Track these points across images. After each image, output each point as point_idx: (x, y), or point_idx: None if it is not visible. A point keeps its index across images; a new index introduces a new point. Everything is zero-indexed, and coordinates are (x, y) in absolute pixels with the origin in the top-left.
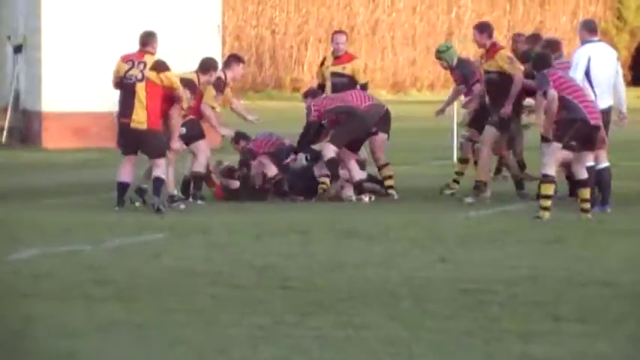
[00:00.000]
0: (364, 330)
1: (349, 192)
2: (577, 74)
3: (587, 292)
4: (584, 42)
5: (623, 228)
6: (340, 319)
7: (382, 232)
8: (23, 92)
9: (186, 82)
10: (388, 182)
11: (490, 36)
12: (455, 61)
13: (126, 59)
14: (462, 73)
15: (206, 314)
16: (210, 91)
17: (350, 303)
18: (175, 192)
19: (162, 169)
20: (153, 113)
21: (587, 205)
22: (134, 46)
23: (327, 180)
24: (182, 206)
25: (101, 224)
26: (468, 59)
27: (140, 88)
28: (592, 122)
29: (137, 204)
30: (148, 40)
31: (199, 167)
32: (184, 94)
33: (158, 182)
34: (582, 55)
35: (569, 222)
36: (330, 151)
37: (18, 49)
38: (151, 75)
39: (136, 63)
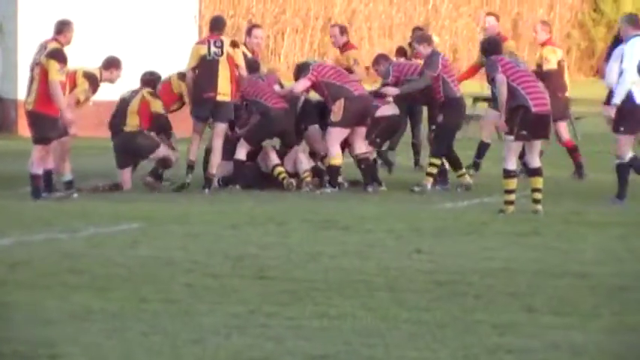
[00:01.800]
0: (340, 320)
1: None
2: (631, 65)
3: (562, 283)
4: (629, 37)
5: (598, 220)
6: (316, 309)
7: (359, 222)
8: None
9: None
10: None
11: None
12: None
13: (201, 42)
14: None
15: (181, 303)
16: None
17: (326, 293)
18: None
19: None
20: (235, 86)
21: (539, 196)
22: (109, 34)
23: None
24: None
25: (77, 213)
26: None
27: (223, 64)
28: (535, 109)
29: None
30: (220, 25)
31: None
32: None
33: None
34: (636, 47)
35: (545, 214)
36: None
37: None
38: (230, 51)
39: (213, 42)
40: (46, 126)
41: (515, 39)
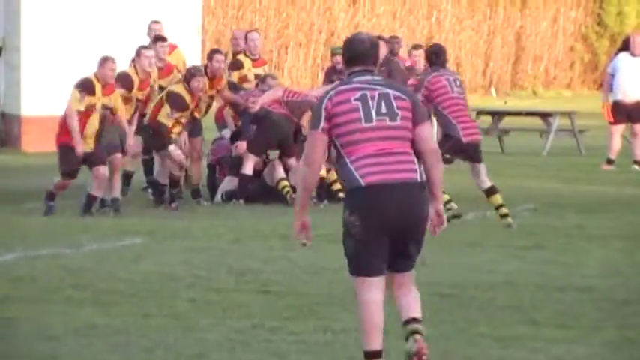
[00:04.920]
0: (343, 334)
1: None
2: None
3: (565, 297)
4: None
5: (601, 234)
6: (319, 323)
7: None
8: (2, 95)
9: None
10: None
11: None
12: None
13: None
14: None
15: (185, 318)
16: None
17: (329, 308)
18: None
19: None
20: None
21: (505, 210)
22: (114, 50)
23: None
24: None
25: (81, 228)
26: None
27: None
28: (465, 140)
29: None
30: None
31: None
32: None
33: None
34: None
35: (548, 227)
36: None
37: None
38: None
39: None
40: (60, 159)
41: (518, 53)
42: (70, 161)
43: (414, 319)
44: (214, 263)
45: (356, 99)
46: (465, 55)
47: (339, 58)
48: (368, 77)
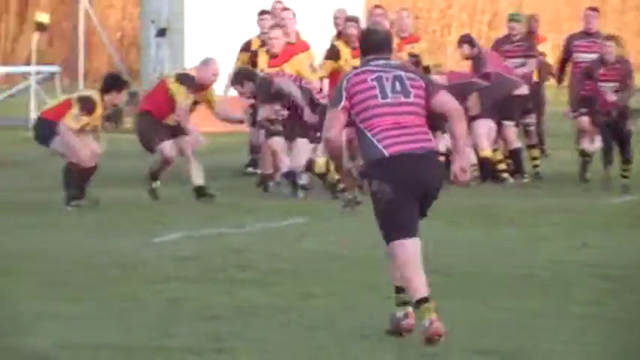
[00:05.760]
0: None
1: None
2: None
3: None
4: None
5: None
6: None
7: (522, 216)
8: None
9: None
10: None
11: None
12: None
13: None
14: None
15: (347, 298)
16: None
17: (493, 288)
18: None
19: None
20: None
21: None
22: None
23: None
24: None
25: (244, 208)
26: None
27: None
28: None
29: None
30: None
31: None
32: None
33: None
34: None
35: None
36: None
37: (161, 33)
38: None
39: None
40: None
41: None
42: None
43: (424, 299)
44: (376, 243)
45: (372, 79)
46: (630, 35)
47: (514, 25)
48: (383, 62)
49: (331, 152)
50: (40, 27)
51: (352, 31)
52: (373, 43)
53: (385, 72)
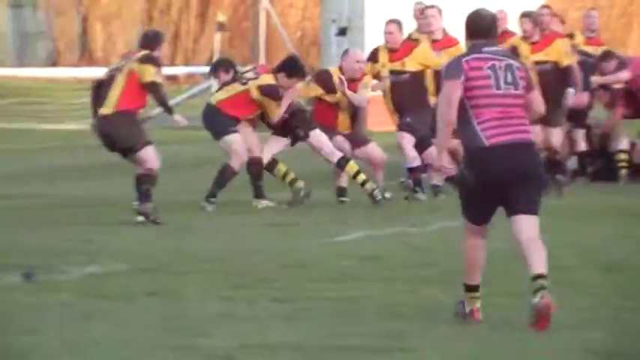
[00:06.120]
0: None
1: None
2: None
3: None
4: None
5: None
6: None
7: None
8: None
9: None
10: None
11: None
12: None
13: None
14: None
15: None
16: None
17: None
18: None
19: None
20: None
21: None
22: (458, 31)
23: None
24: None
25: (426, 207)
26: None
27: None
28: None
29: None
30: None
31: None
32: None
33: None
34: None
35: None
36: None
37: (342, 32)
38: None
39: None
40: None
41: None
42: None
43: (541, 276)
44: (556, 240)
45: (488, 67)
46: None
47: None
48: (494, 48)
49: (444, 118)
50: (221, 27)
51: (527, 26)
52: (481, 27)
53: (498, 60)
